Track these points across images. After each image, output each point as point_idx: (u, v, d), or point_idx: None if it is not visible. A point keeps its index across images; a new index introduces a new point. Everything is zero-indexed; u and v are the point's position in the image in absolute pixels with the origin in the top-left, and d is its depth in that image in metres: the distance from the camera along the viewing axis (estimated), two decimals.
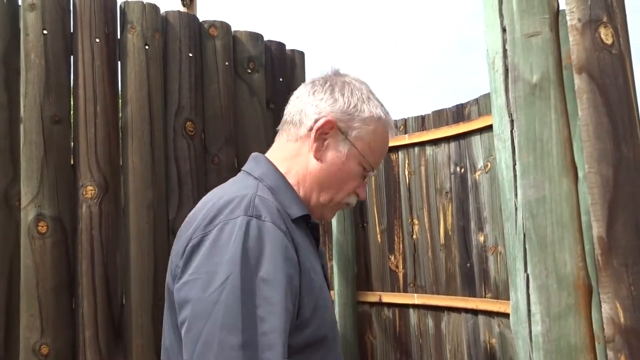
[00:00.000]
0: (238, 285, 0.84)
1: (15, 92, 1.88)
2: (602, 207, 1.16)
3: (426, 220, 3.39)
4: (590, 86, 1.19)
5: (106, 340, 1.87)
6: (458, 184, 3.23)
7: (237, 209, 0.91)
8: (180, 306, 0.88)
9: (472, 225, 3.13)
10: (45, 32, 1.89)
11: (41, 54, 1.87)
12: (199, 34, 2.21)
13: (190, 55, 2.15)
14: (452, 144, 3.27)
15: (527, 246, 1.22)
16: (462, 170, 3.21)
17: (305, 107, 1.05)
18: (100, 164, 1.91)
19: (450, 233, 3.26)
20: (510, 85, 1.26)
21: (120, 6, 2.06)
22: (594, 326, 1.18)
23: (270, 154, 1.09)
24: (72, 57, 1.96)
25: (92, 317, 1.85)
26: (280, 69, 2.47)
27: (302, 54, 2.57)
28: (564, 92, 1.24)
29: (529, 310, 1.21)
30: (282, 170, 1.05)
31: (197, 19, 2.24)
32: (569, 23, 1.22)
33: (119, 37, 2.05)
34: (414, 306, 3.44)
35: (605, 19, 1.20)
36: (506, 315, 2.83)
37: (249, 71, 2.32)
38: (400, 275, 3.51)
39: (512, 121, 1.25)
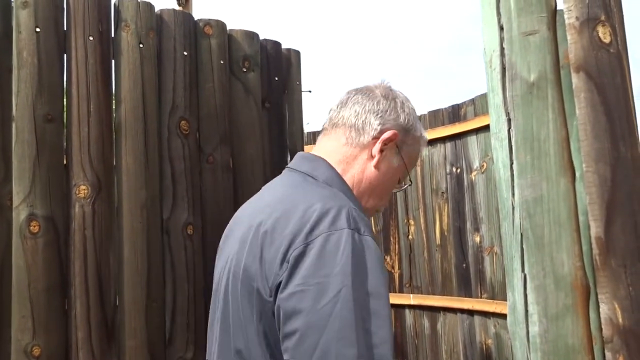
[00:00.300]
0: (350, 299, 0.86)
1: (7, 90, 1.85)
2: (600, 207, 1.15)
3: (422, 220, 3.38)
4: (588, 85, 1.18)
5: (99, 341, 1.85)
6: (454, 184, 3.22)
7: (338, 220, 0.93)
8: (287, 317, 0.89)
9: (468, 225, 3.13)
10: (38, 30, 1.87)
11: (34, 52, 1.85)
12: (194, 32, 2.19)
13: (185, 53, 2.13)
14: (448, 144, 3.26)
15: (524, 246, 1.21)
16: (458, 170, 3.20)
17: (368, 115, 1.11)
18: (94, 164, 1.89)
19: (446, 233, 3.26)
20: (507, 84, 1.25)
21: (115, 4, 2.04)
22: (591, 327, 1.17)
23: (324, 154, 1.11)
24: (65, 55, 1.94)
25: (85, 318, 1.83)
26: (276, 68, 2.45)
27: (298, 53, 2.56)
28: (561, 91, 1.23)
29: (526, 311, 1.20)
30: (338, 172, 1.09)
31: (192, 18, 2.23)
32: (566, 21, 1.22)
33: (112, 35, 2.03)
34: (410, 306, 3.43)
35: (603, 18, 1.20)
36: (502, 316, 2.82)
37: (244, 70, 2.30)
38: (396, 276, 3.50)
39: (509, 120, 1.24)
